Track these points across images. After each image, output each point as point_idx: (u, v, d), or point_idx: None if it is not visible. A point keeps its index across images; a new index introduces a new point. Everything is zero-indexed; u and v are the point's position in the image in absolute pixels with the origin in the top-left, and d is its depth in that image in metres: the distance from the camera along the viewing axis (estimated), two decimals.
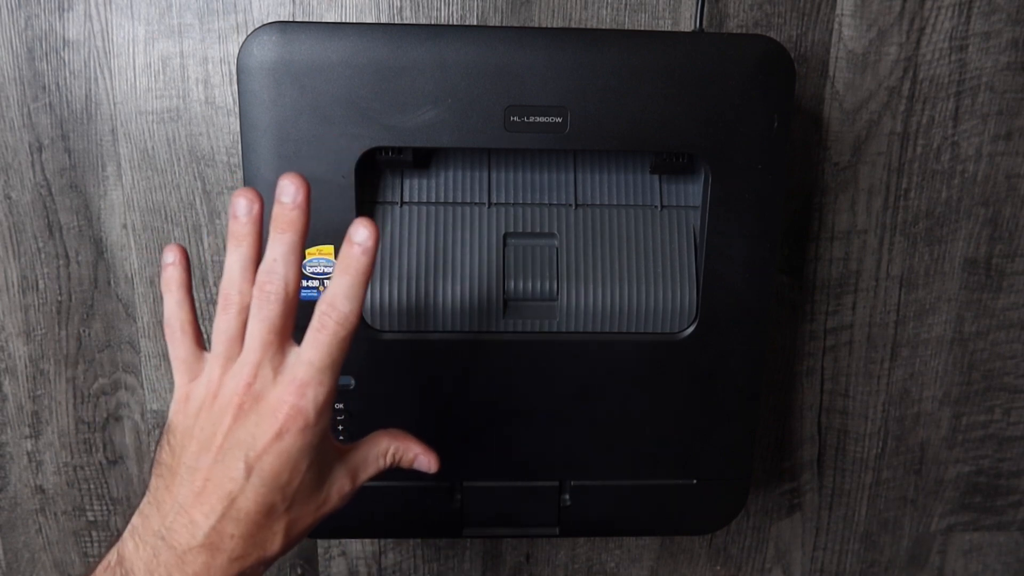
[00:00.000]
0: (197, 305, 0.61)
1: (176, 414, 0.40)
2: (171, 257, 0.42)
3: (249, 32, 0.50)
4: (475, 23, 0.57)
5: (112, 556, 0.39)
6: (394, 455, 0.45)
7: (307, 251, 0.50)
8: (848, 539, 0.71)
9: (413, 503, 0.56)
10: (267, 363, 0.39)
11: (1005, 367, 0.68)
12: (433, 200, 0.53)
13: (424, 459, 0.46)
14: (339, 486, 0.42)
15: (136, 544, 0.39)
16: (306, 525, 0.41)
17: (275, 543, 0.40)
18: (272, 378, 0.39)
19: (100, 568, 0.39)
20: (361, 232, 0.39)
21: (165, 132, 0.58)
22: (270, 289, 0.39)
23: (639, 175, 0.54)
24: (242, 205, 0.39)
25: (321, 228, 0.50)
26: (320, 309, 0.39)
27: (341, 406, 0.53)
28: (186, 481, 0.38)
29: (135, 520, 0.40)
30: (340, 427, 0.53)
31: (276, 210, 0.39)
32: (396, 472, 0.55)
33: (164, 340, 0.61)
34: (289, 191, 0.39)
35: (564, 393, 0.54)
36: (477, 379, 0.53)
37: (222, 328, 0.40)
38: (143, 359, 0.63)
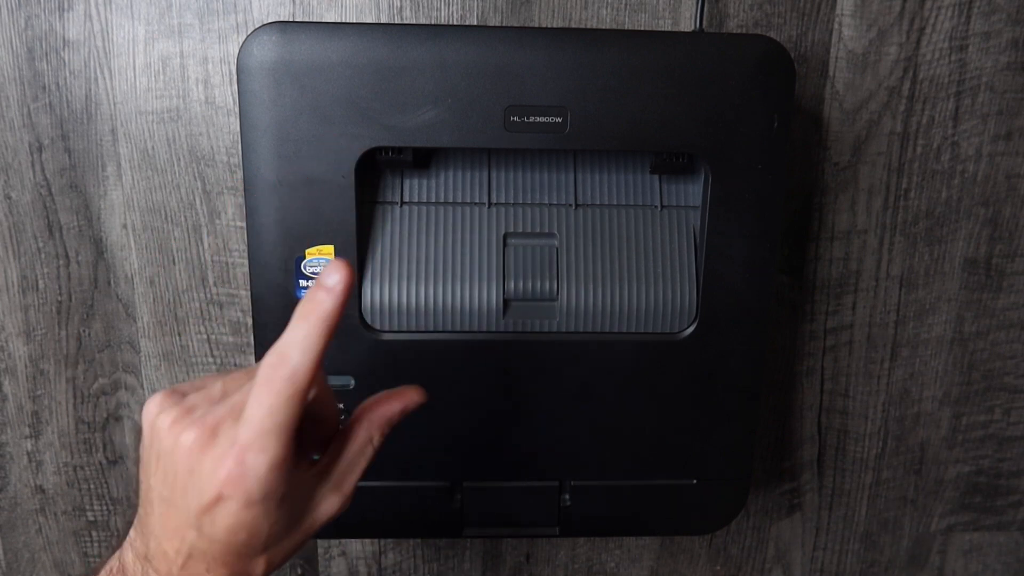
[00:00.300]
0: (196, 304, 0.62)
1: (144, 424, 0.37)
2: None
3: (249, 32, 0.50)
4: (475, 23, 0.57)
5: (115, 563, 0.39)
6: (380, 434, 0.40)
7: (307, 251, 0.50)
8: (848, 539, 0.71)
9: (413, 503, 0.56)
10: (227, 430, 0.35)
11: (1005, 367, 0.68)
12: (433, 200, 0.53)
13: (411, 403, 0.41)
14: (326, 507, 0.39)
15: (133, 558, 0.38)
16: (291, 550, 0.38)
17: (257, 572, 0.37)
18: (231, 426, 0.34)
19: (104, 571, 0.39)
20: (334, 276, 0.34)
21: (165, 132, 0.58)
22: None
23: (639, 175, 0.54)
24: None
25: (322, 228, 0.50)
26: (267, 360, 0.34)
27: (341, 406, 0.53)
28: (156, 511, 0.37)
29: (132, 532, 0.39)
30: (340, 427, 0.53)
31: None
32: (396, 472, 0.56)
33: (166, 339, 0.60)
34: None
35: (564, 393, 0.54)
36: (477, 379, 0.53)
37: (236, 375, 0.37)
38: (143, 359, 0.63)
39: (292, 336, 0.34)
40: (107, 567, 0.39)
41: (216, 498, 0.34)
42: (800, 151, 0.61)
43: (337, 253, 0.50)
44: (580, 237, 0.52)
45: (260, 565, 0.37)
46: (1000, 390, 0.68)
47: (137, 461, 0.39)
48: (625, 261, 0.52)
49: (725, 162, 0.50)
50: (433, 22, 0.57)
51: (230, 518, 0.34)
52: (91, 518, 0.66)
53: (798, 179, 0.62)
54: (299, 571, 0.68)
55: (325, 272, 0.34)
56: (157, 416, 0.36)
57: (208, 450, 0.34)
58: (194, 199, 0.59)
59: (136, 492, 0.40)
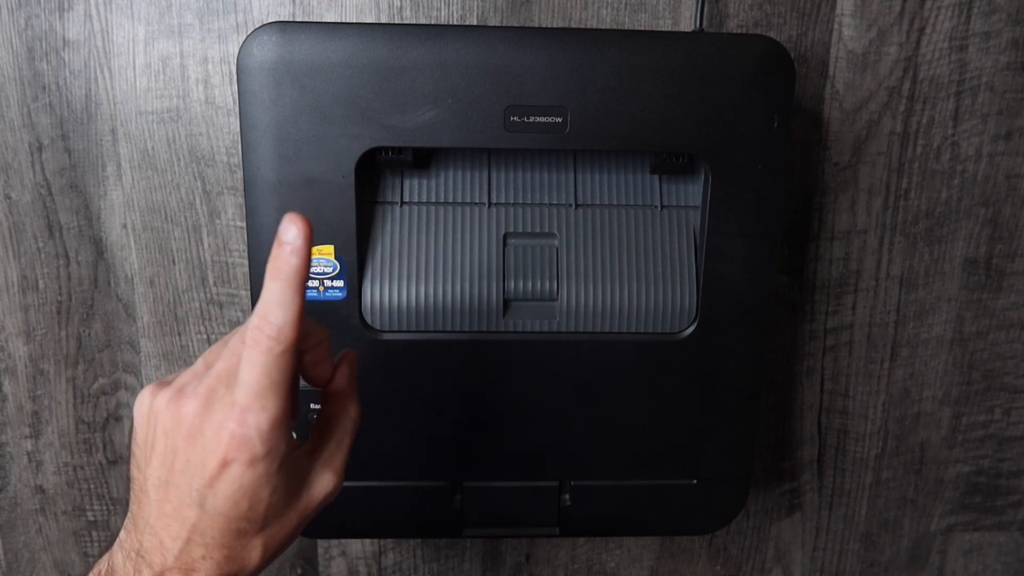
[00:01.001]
0: (196, 304, 0.62)
1: (138, 414, 0.38)
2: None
3: (249, 32, 0.50)
4: (475, 23, 0.57)
5: (104, 564, 0.39)
6: (354, 404, 0.41)
7: None
8: (848, 539, 0.71)
9: (413, 503, 0.56)
10: (223, 391, 0.36)
11: (1005, 367, 0.68)
12: (433, 200, 0.53)
13: (352, 361, 0.42)
14: (320, 487, 0.39)
15: (123, 558, 0.38)
16: (288, 534, 0.39)
17: (253, 558, 0.37)
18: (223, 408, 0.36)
19: (93, 573, 0.39)
20: (291, 230, 0.35)
21: (165, 132, 0.58)
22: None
23: (639, 175, 0.54)
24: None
25: (321, 228, 0.50)
26: (252, 322, 0.35)
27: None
28: (153, 500, 0.37)
29: (121, 533, 0.39)
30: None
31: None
32: (396, 472, 0.56)
33: (162, 337, 0.60)
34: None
35: (564, 393, 0.54)
36: (477, 379, 0.53)
37: (214, 348, 0.38)
38: (143, 359, 0.63)
39: (269, 295, 0.35)
40: (95, 570, 0.39)
41: (221, 464, 0.35)
42: (800, 151, 0.61)
43: (337, 253, 0.50)
44: (580, 237, 0.52)
45: (257, 550, 0.37)
46: (1000, 390, 0.68)
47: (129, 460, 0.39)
48: (625, 261, 0.52)
49: (725, 162, 0.50)
50: (433, 22, 0.57)
51: (234, 484, 0.35)
52: (91, 518, 0.66)
53: (798, 179, 0.62)
54: (299, 571, 0.68)
55: (282, 228, 0.35)
56: (153, 400, 0.37)
57: (207, 418, 0.35)
58: (194, 199, 0.59)
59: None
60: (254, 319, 0.35)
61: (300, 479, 0.38)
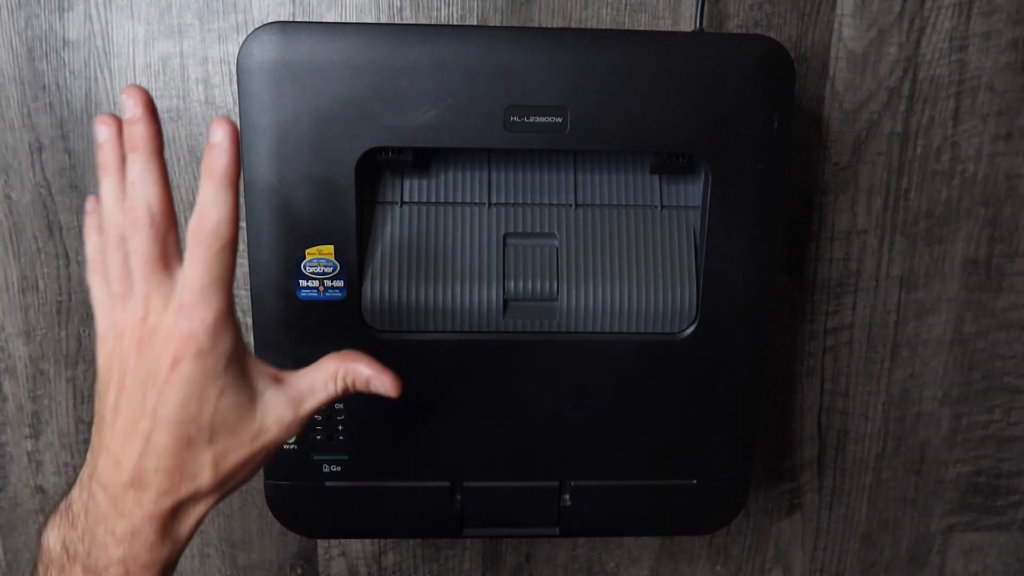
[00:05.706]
0: None
1: (98, 358, 0.39)
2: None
3: (249, 32, 0.50)
4: (475, 23, 0.57)
5: (63, 503, 0.40)
6: (344, 379, 0.41)
7: (307, 251, 0.50)
8: (848, 539, 0.71)
9: (413, 503, 0.56)
10: (155, 293, 0.37)
11: (1005, 367, 0.68)
12: (433, 200, 0.53)
13: (379, 381, 0.41)
14: (277, 416, 0.39)
15: (79, 490, 0.39)
16: (240, 458, 0.39)
17: (204, 476, 0.38)
18: (163, 307, 0.37)
19: (52, 515, 0.40)
20: (218, 132, 0.36)
21: (165, 132, 0.58)
22: (134, 216, 0.37)
23: (639, 175, 0.54)
24: (102, 131, 0.38)
25: (321, 228, 0.50)
26: (192, 224, 0.37)
27: (341, 406, 0.53)
28: (108, 424, 0.38)
29: (82, 471, 0.40)
30: (340, 427, 0.53)
31: (124, 129, 0.37)
32: (396, 472, 0.56)
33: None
34: (128, 106, 0.37)
35: (564, 393, 0.54)
36: (477, 379, 0.53)
37: (111, 267, 0.38)
38: None
39: (204, 197, 0.37)
40: (56, 513, 0.40)
41: (171, 364, 0.36)
42: (800, 151, 0.61)
43: (337, 253, 0.50)
44: (580, 237, 0.52)
45: (207, 468, 0.38)
46: (1000, 390, 0.68)
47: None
48: (625, 261, 0.52)
49: (725, 162, 0.50)
50: (433, 22, 0.57)
51: (183, 383, 0.36)
52: None
53: (798, 179, 0.62)
54: (299, 571, 0.68)
55: (211, 131, 0.37)
56: (105, 339, 0.39)
57: (157, 331, 0.37)
58: (194, 199, 0.59)
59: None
60: (192, 222, 0.37)
61: (252, 397, 0.39)
